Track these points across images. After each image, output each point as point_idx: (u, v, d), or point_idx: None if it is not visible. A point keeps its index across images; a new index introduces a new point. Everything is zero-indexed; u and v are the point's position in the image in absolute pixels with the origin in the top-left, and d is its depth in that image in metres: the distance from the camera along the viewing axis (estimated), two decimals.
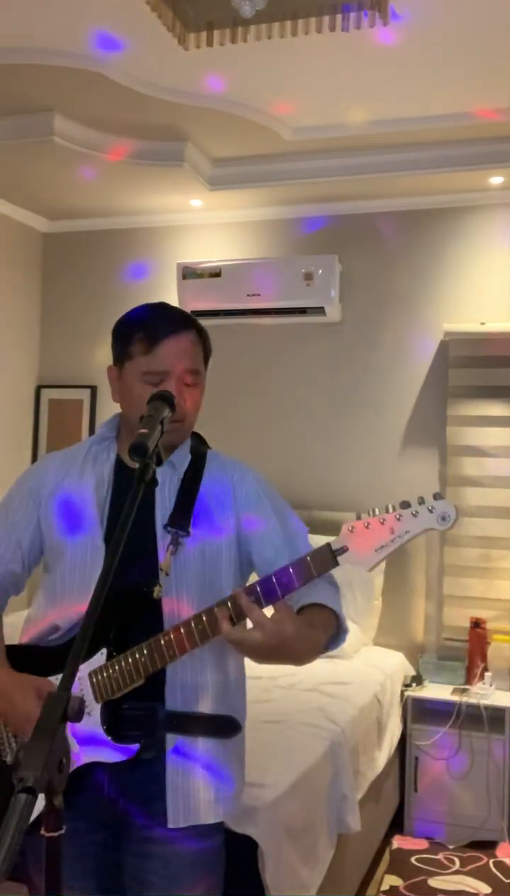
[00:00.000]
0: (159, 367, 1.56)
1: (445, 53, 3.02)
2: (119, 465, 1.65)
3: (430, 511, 1.36)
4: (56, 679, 1.35)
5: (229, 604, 1.39)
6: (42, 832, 1.00)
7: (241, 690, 1.66)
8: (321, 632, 1.47)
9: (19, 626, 1.65)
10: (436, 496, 1.37)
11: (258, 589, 1.40)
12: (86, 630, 1.12)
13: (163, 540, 1.56)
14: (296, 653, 1.39)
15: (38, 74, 3.17)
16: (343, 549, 1.38)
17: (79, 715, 1.01)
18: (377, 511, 1.38)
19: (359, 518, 1.39)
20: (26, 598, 3.83)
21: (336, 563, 1.39)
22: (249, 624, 1.37)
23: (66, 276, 4.79)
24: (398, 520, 1.37)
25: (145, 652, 1.45)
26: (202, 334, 1.64)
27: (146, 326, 1.58)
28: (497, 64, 3.06)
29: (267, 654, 1.35)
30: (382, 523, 1.37)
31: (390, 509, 1.38)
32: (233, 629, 1.36)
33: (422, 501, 1.37)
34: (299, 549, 1.55)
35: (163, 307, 1.65)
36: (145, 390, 1.55)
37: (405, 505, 1.37)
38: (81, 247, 4.77)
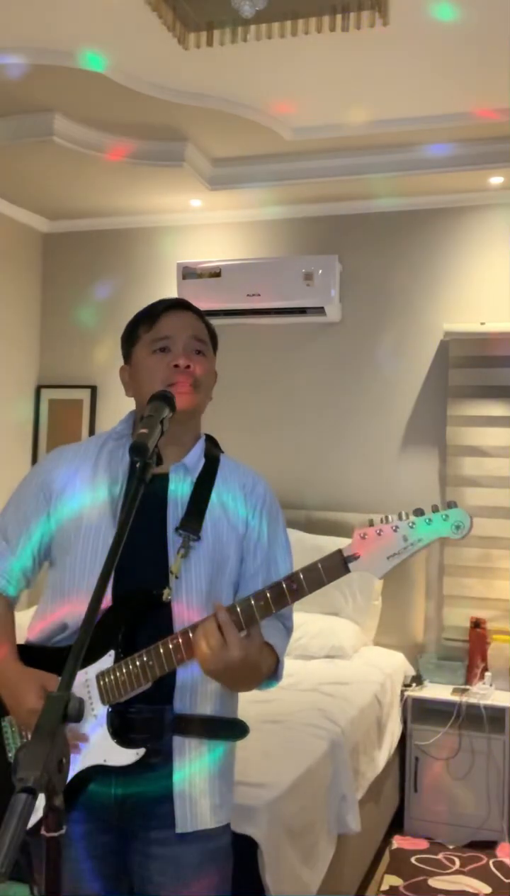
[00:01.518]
0: (163, 333, 1.61)
1: (445, 53, 3.02)
2: (134, 464, 1.65)
3: (444, 519, 1.34)
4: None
5: (238, 609, 1.39)
6: (42, 832, 1.00)
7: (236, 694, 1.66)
8: (264, 670, 1.51)
9: (23, 624, 1.65)
10: (451, 504, 1.36)
11: (268, 594, 1.39)
12: (86, 630, 1.11)
13: (173, 543, 1.55)
14: (242, 678, 1.46)
15: (38, 74, 3.17)
16: (354, 557, 1.36)
17: (79, 715, 1.01)
18: (390, 518, 1.36)
19: (371, 525, 1.37)
20: (26, 598, 3.84)
21: (347, 570, 1.37)
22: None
23: (66, 276, 4.79)
24: (411, 528, 1.35)
25: (153, 655, 1.44)
26: (203, 318, 1.69)
27: (147, 311, 1.66)
28: (497, 64, 3.06)
29: (223, 668, 1.38)
30: (395, 531, 1.35)
31: (403, 517, 1.36)
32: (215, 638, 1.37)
33: (436, 509, 1.35)
34: (273, 577, 1.55)
35: (162, 299, 1.71)
36: (155, 360, 1.60)
37: (418, 513, 1.35)
38: (81, 247, 4.77)
